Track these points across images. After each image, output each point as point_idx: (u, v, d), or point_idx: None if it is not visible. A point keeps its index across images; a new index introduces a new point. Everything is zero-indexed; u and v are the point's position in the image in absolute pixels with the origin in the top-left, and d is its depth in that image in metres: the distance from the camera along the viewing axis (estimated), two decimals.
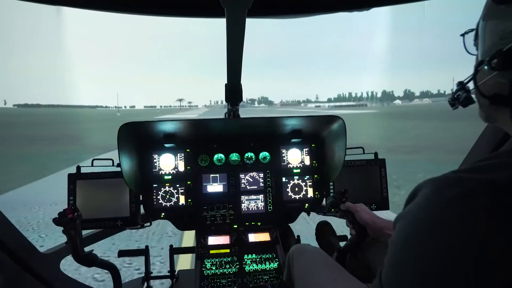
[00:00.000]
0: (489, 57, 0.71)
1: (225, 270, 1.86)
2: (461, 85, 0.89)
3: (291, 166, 2.27)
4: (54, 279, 1.81)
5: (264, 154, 2.24)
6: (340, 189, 1.71)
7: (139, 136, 2.07)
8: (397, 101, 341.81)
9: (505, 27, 0.68)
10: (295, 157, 2.28)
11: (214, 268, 1.87)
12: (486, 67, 0.73)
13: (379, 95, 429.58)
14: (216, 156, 2.21)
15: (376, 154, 2.20)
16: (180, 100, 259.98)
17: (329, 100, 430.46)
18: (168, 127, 2.02)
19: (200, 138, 2.21)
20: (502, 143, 1.52)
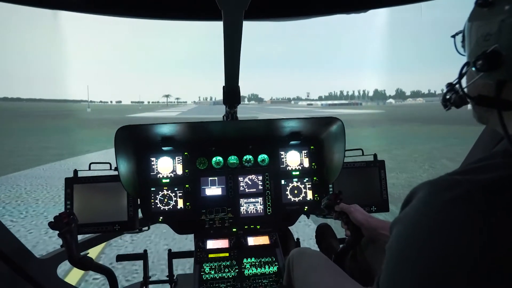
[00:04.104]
0: (474, 59, 0.71)
1: (224, 275, 1.85)
2: (450, 86, 0.88)
3: (290, 169, 2.26)
4: (51, 284, 1.78)
5: (262, 156, 2.23)
6: (335, 190, 1.70)
7: (137, 139, 2.04)
8: (391, 100, 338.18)
9: (489, 29, 0.69)
10: (294, 159, 2.27)
11: (213, 272, 1.86)
12: (473, 69, 0.73)
13: (370, 94, 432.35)
14: (214, 159, 2.19)
15: (375, 155, 2.19)
16: (167, 96, 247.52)
17: (320, 98, 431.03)
18: (166, 130, 1.99)
19: (198, 141, 2.19)
20: None
